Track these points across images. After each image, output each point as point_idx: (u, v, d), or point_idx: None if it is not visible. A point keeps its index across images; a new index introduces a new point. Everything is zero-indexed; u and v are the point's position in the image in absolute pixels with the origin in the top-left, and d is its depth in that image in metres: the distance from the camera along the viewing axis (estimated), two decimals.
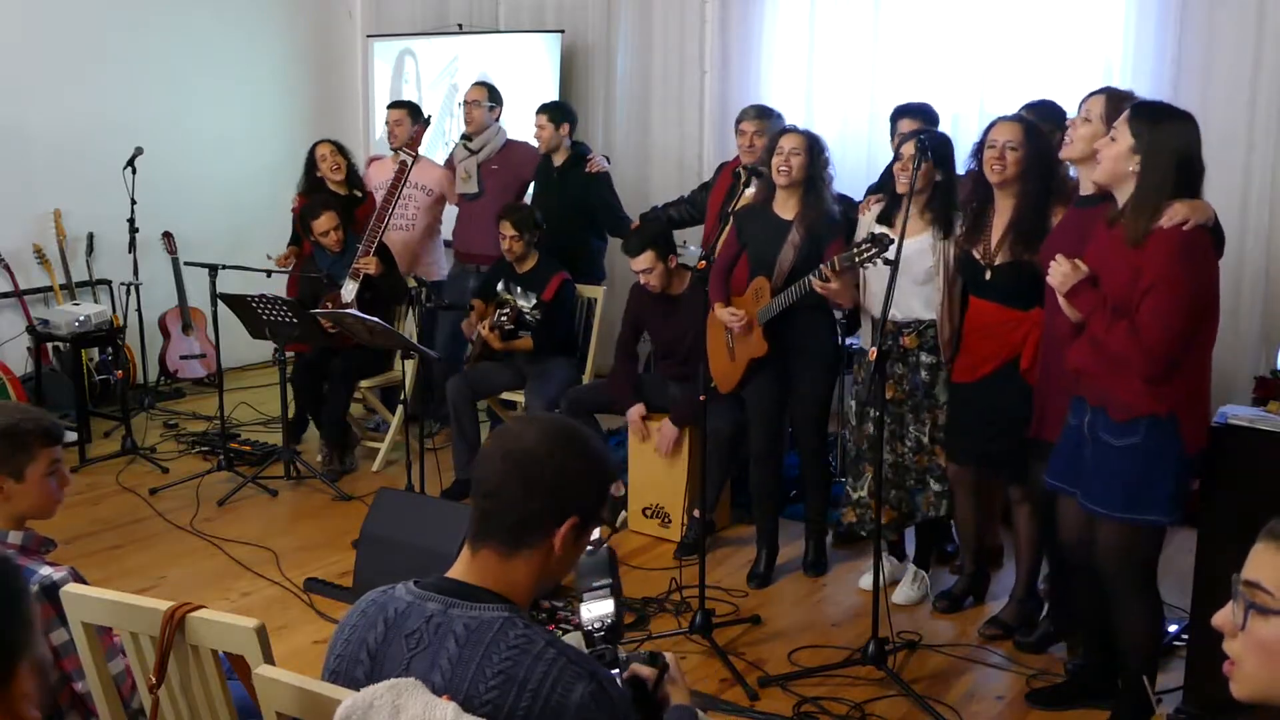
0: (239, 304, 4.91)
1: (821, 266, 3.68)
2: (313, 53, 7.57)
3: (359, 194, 5.67)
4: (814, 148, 3.91)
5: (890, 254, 3.41)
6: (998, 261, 3.47)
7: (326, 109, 7.56)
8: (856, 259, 3.54)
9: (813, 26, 5.86)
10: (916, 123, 4.21)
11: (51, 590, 2.16)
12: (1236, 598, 1.37)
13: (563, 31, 6.56)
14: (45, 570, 2.20)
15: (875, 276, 3.70)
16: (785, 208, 3.97)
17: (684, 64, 6.34)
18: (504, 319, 4.71)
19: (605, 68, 6.62)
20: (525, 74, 6.51)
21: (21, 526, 2.31)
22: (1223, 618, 1.38)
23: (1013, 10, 5.29)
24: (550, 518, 1.63)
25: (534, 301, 4.91)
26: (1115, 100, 3.11)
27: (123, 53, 6.51)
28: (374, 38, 7.43)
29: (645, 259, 4.41)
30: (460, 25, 7.10)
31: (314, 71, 7.58)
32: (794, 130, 3.98)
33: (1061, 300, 2.96)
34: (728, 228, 4.02)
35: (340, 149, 5.67)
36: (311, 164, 5.67)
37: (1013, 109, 3.79)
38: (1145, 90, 4.37)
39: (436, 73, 7.10)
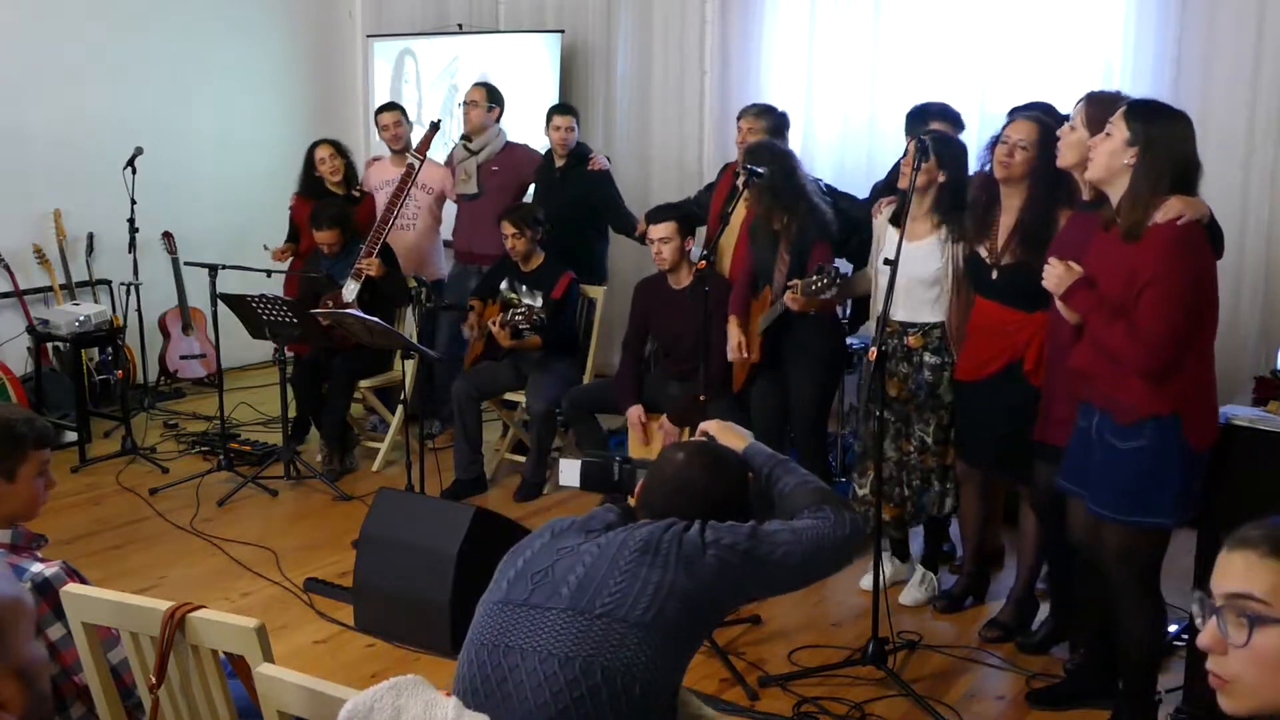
0: (239, 304, 4.91)
1: (786, 294, 3.77)
2: (313, 53, 7.56)
3: (357, 194, 5.68)
4: (774, 159, 3.96)
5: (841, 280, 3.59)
6: (1004, 262, 3.47)
7: (326, 109, 7.55)
8: (812, 288, 3.64)
9: (813, 26, 5.85)
10: (944, 125, 4.20)
11: (45, 586, 2.16)
12: (1221, 613, 1.32)
13: (563, 31, 6.56)
14: (37, 567, 2.20)
15: (884, 276, 3.71)
16: (777, 219, 4.05)
17: (684, 64, 6.33)
18: (519, 318, 4.69)
19: (605, 68, 6.61)
20: (525, 74, 6.51)
21: (10, 525, 2.31)
22: (1210, 637, 1.33)
23: (1013, 10, 5.28)
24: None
25: (540, 301, 4.90)
26: (1098, 103, 3.09)
27: (123, 53, 6.50)
28: (374, 38, 7.42)
29: (666, 228, 4.45)
30: (460, 25, 7.10)
31: (314, 72, 7.57)
32: (738, 164, 4.07)
33: (1058, 303, 2.96)
34: (725, 230, 4.05)
35: (339, 150, 5.69)
36: (310, 164, 5.69)
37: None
38: (1145, 90, 4.36)
39: (436, 73, 7.09)
